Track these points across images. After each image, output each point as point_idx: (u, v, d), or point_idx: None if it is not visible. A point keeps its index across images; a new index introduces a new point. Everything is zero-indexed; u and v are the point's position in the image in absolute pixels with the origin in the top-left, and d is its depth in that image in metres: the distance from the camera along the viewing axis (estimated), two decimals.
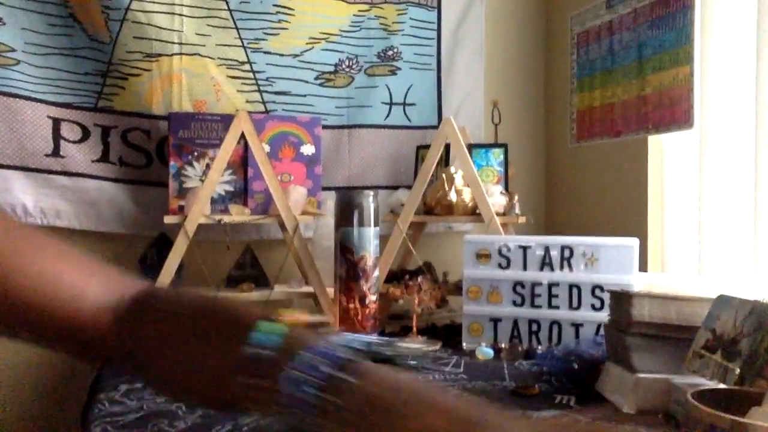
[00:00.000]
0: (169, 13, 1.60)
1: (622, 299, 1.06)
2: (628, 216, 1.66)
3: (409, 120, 1.87)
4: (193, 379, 0.40)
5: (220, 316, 0.41)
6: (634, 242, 1.37)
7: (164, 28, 1.60)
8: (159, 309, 0.47)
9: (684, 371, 0.96)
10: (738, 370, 0.87)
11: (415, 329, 1.46)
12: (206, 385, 0.40)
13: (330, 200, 1.40)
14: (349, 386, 0.37)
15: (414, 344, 1.41)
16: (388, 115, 1.85)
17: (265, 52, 1.71)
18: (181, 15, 1.62)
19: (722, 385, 0.86)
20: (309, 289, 1.51)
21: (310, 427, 0.36)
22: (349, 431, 0.36)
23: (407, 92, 1.87)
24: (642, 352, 1.03)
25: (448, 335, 1.51)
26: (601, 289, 1.34)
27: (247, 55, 1.69)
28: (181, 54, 1.62)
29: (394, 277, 1.55)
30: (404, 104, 1.87)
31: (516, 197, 1.61)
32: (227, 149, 1.41)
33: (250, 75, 1.69)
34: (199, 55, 1.64)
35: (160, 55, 1.60)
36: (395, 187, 1.78)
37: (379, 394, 0.37)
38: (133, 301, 0.49)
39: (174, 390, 0.43)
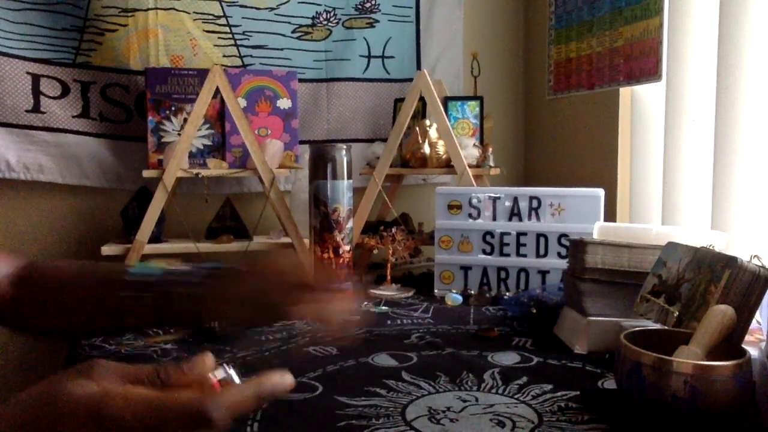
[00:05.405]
0: None
1: (577, 247, 1.10)
2: (601, 167, 1.70)
3: (387, 73, 1.88)
4: (84, 312, 0.47)
5: (100, 267, 0.51)
6: (599, 192, 1.42)
7: None
8: (47, 273, 0.57)
9: (633, 315, 1.02)
10: (677, 313, 0.92)
11: (389, 277, 1.52)
12: (93, 312, 0.46)
13: (308, 154, 1.42)
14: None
15: (388, 291, 1.48)
16: (366, 68, 1.85)
17: (241, 6, 1.70)
18: None
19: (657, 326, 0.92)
20: (287, 240, 1.55)
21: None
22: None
23: (386, 45, 1.87)
24: (594, 297, 1.08)
25: (423, 283, 1.57)
26: (568, 237, 1.39)
27: (222, 9, 1.68)
28: (156, 8, 1.62)
29: (372, 228, 1.59)
30: (383, 57, 1.87)
31: (490, 149, 1.64)
32: (202, 104, 1.43)
33: (227, 29, 1.69)
34: (175, 9, 1.64)
35: (135, 9, 1.60)
36: (374, 140, 1.80)
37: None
38: (23, 269, 0.58)
39: (64, 330, 0.52)
